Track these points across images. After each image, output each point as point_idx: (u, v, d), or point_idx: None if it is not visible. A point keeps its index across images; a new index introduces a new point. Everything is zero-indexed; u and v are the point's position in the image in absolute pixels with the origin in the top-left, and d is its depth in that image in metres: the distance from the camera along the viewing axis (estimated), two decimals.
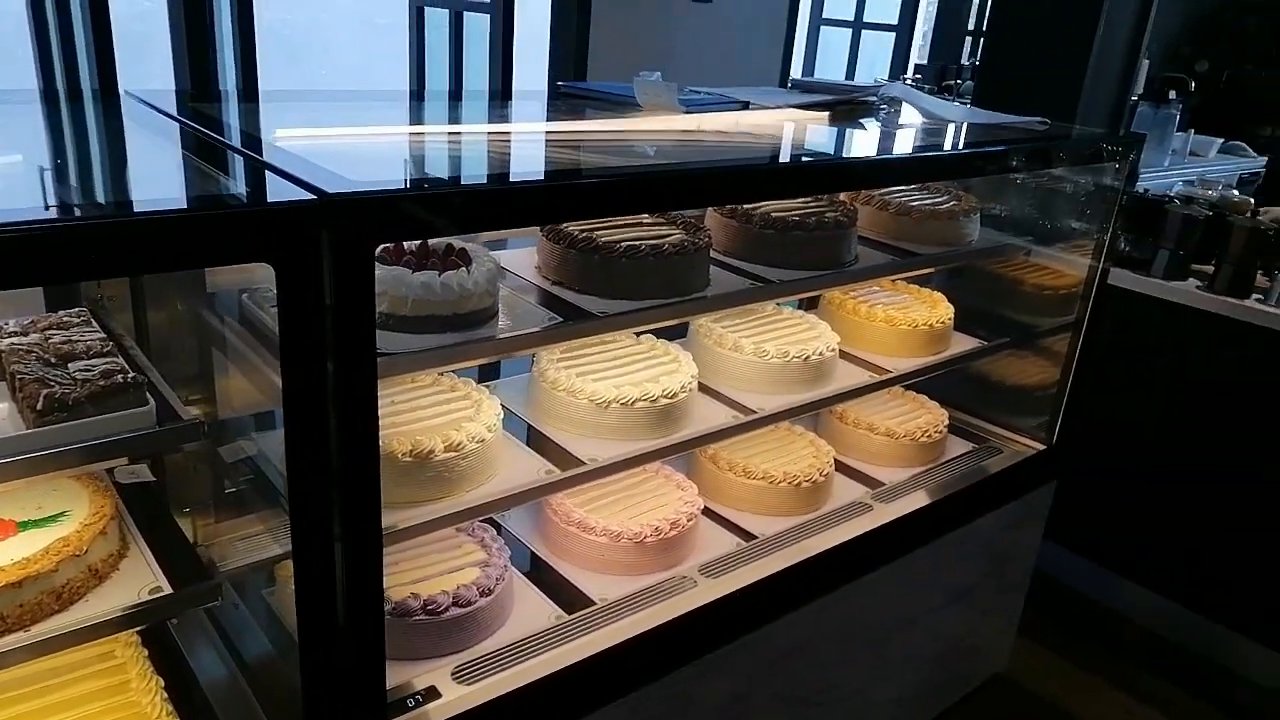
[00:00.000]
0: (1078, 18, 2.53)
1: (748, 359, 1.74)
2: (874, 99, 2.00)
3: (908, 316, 1.99)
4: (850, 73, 4.50)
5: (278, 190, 0.92)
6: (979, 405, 2.30)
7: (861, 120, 1.90)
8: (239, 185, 0.99)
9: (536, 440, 1.52)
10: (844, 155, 1.66)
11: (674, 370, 1.62)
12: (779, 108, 1.84)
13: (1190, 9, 5.33)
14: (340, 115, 1.62)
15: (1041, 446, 2.19)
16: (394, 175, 1.00)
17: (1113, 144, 1.98)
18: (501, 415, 1.40)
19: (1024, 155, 1.73)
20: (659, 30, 3.23)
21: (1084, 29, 2.54)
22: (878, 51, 4.62)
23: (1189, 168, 4.17)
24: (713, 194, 1.38)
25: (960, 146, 1.79)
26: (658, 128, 1.58)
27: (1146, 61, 4.76)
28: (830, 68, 4.55)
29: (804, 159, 1.49)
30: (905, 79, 3.70)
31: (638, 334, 1.72)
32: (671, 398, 1.53)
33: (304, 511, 0.95)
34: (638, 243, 1.45)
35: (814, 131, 1.71)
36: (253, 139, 1.25)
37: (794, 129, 1.70)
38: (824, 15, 4.46)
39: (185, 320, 1.34)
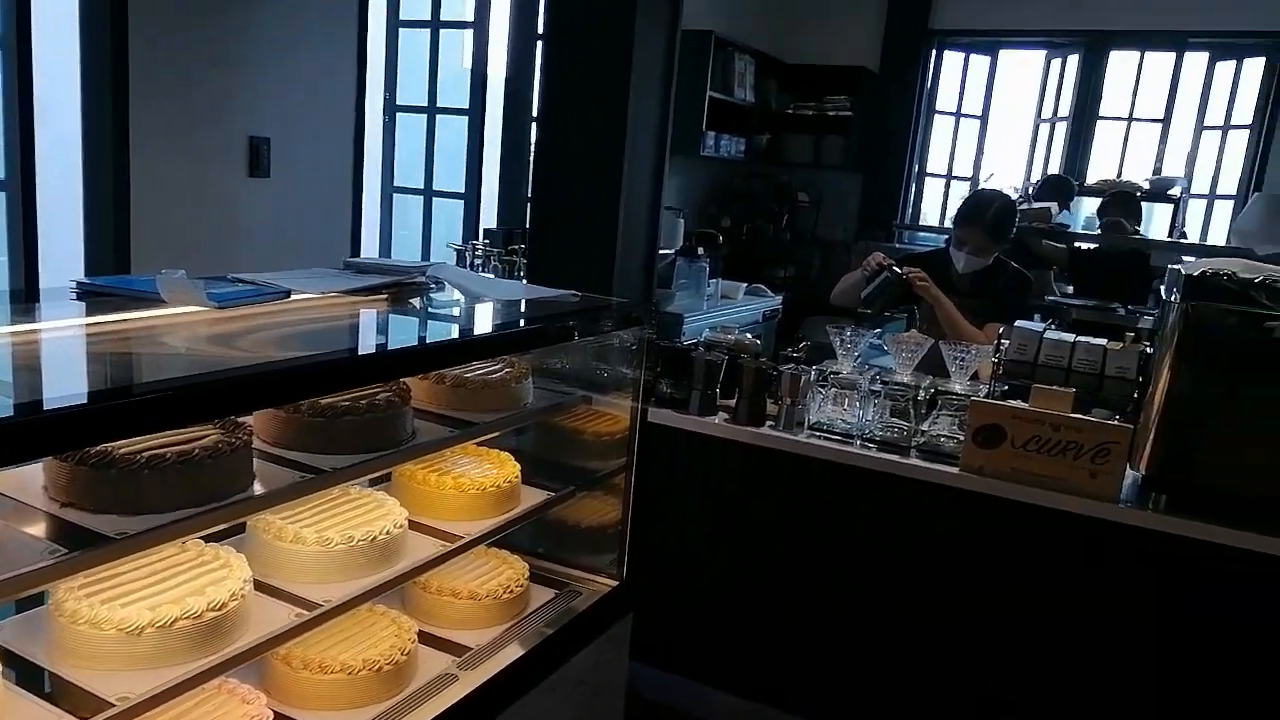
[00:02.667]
0: (602, 195, 2.91)
1: (311, 550, 1.70)
2: (423, 279, 2.12)
3: (476, 480, 2.07)
4: (426, 238, 4.70)
5: None
6: (558, 552, 2.45)
7: (410, 302, 2.00)
8: None
9: (57, 685, 1.34)
10: (381, 346, 1.73)
11: (223, 577, 1.53)
12: (324, 294, 1.87)
13: (713, 176, 6.37)
14: None
15: (615, 583, 2.37)
16: None
17: (634, 310, 2.28)
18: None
19: (554, 331, 1.94)
20: (213, 207, 3.14)
21: (609, 204, 2.92)
22: (453, 216, 4.88)
23: (723, 310, 4.91)
24: (229, 403, 1.35)
25: (494, 328, 1.96)
26: (180, 331, 1.53)
27: (682, 221, 5.58)
28: (406, 235, 4.72)
29: (336, 355, 1.53)
30: (475, 244, 3.95)
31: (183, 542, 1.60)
32: (220, 609, 1.44)
33: None
34: (163, 451, 1.38)
35: (355, 320, 1.77)
36: None
37: (335, 319, 1.74)
38: (395, 184, 4.65)
39: None
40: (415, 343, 1.77)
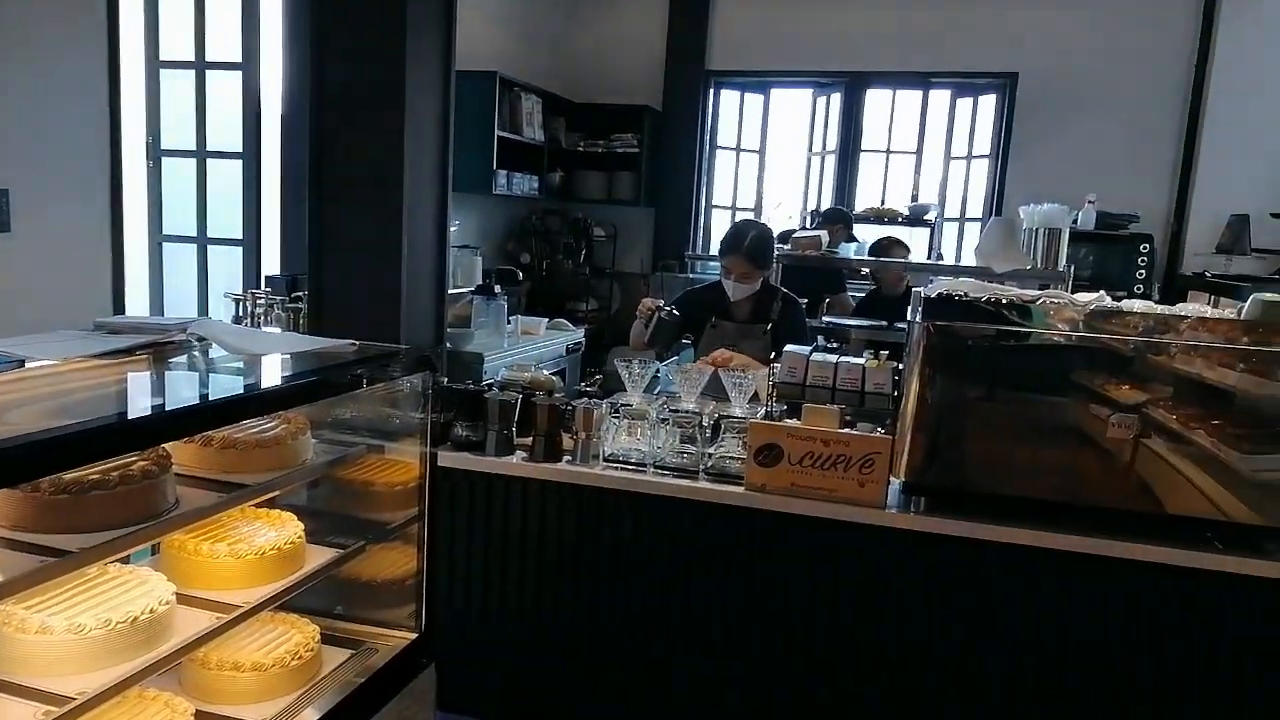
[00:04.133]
0: (383, 239, 2.86)
1: (61, 639, 1.56)
2: (183, 337, 2.01)
3: (253, 545, 1.97)
4: (203, 286, 4.43)
5: None
6: (354, 609, 2.36)
7: (168, 362, 1.89)
8: None
9: None
10: (129, 413, 1.62)
11: None
12: (66, 360, 1.74)
13: (510, 213, 6.40)
14: None
15: (414, 635, 2.31)
16: None
17: (418, 355, 2.25)
18: None
19: (322, 385, 1.88)
20: None
21: (390, 248, 2.87)
22: (233, 264, 4.64)
23: (525, 347, 4.91)
24: None
25: (257, 386, 1.88)
26: None
27: (479, 259, 5.56)
28: (180, 283, 4.44)
29: (74, 427, 1.42)
30: (255, 293, 3.76)
31: None
32: None
33: None
34: None
35: (103, 387, 1.65)
36: None
37: (79, 387, 1.62)
38: (164, 232, 4.37)
39: None
40: (169, 406, 1.67)
